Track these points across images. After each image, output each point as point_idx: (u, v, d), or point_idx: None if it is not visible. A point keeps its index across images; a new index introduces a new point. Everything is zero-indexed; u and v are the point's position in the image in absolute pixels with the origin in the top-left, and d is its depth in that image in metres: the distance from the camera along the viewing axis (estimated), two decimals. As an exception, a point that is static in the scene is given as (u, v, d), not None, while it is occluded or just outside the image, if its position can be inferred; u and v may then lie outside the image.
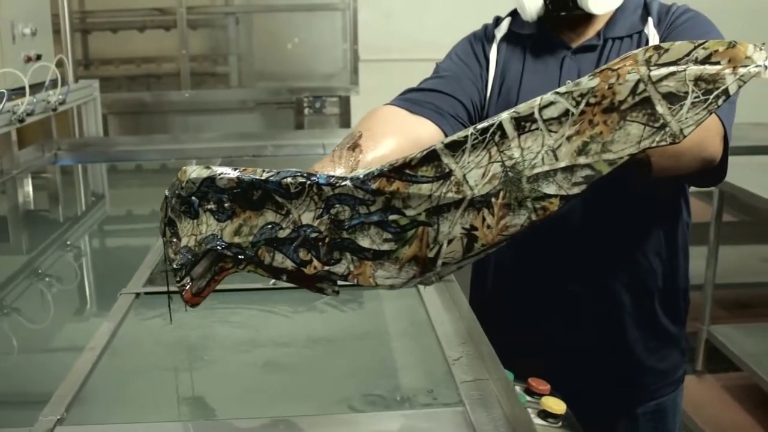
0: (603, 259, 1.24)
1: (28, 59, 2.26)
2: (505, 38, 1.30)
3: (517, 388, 1.07)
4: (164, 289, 0.91)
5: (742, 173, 2.76)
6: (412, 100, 1.18)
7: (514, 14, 1.29)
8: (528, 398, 1.05)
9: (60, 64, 2.35)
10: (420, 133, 1.10)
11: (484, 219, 0.71)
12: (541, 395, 1.06)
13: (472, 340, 1.07)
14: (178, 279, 0.86)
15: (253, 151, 2.57)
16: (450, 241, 0.73)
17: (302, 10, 3.69)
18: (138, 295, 1.28)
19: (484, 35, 1.33)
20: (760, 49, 0.65)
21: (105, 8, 3.63)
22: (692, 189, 3.06)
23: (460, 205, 0.71)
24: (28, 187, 2.33)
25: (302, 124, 3.59)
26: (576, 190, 0.68)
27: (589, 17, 1.19)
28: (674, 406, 1.33)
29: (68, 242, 1.88)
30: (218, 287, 1.26)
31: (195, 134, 2.98)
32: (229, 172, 0.80)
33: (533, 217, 0.70)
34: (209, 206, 0.82)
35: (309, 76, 3.69)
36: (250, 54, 3.80)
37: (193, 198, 0.83)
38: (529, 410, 1.03)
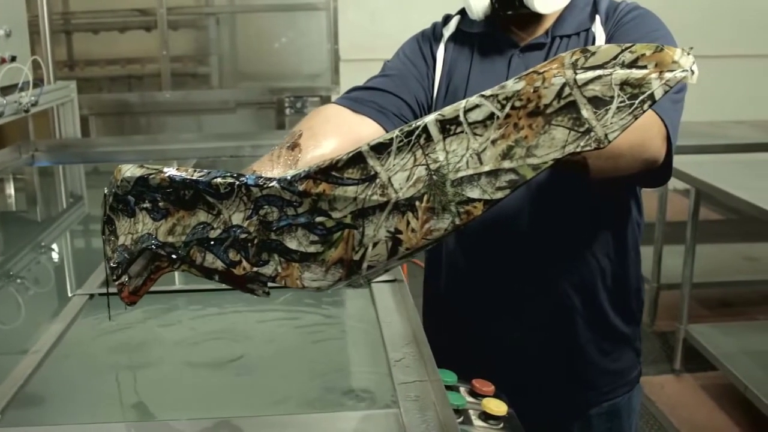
0: (551, 260, 1.22)
1: (2, 60, 2.26)
2: (453, 37, 1.28)
3: (462, 389, 1.07)
4: (115, 290, 0.91)
5: (720, 171, 2.76)
6: (356, 99, 1.17)
7: (463, 12, 1.27)
8: (470, 399, 1.04)
9: (37, 66, 2.35)
10: (362, 132, 1.09)
11: (408, 222, 0.70)
12: (485, 396, 1.05)
13: (415, 341, 1.06)
14: (115, 278, 0.86)
15: (231, 152, 2.57)
16: (375, 244, 0.72)
17: (283, 10, 3.69)
18: (92, 296, 1.28)
19: (433, 34, 1.31)
20: (688, 54, 0.64)
21: (84, 9, 3.63)
22: (671, 187, 3.00)
23: (385, 208, 0.71)
24: (4, 189, 2.32)
25: (284, 124, 3.59)
26: (500, 195, 0.67)
27: (537, 16, 1.18)
28: (629, 407, 1.32)
29: (42, 243, 1.88)
30: (172, 288, 1.26)
31: (173, 135, 2.98)
32: (161, 172, 0.80)
33: (457, 222, 0.69)
34: (145, 205, 0.82)
35: (292, 77, 3.70)
36: (233, 54, 3.80)
37: (129, 197, 0.83)
38: (471, 412, 1.02)
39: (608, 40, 1.15)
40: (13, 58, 2.30)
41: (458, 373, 1.09)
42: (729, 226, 4.23)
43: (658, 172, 1.02)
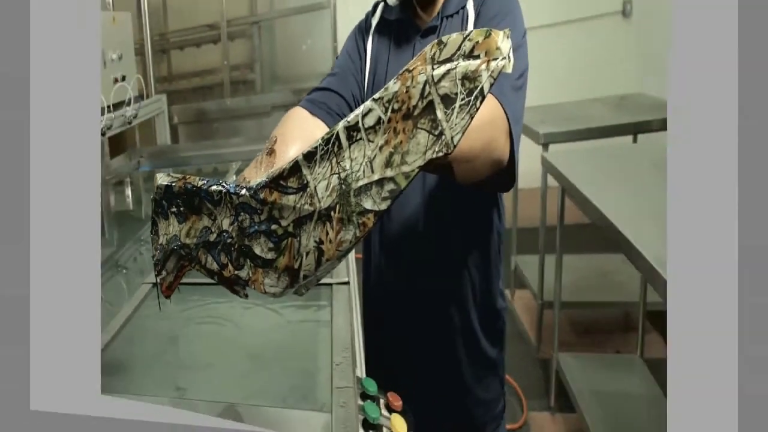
0: (435, 270, 1.03)
1: (116, 80, 2.26)
2: (378, 26, 1.05)
3: (381, 401, 0.89)
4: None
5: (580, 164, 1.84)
6: (312, 100, 0.99)
7: None
8: (384, 413, 0.86)
9: (141, 83, 2.35)
10: (318, 135, 0.81)
11: (327, 233, 0.58)
12: (394, 411, 0.87)
13: (351, 346, 0.96)
14: (156, 273, 0.80)
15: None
16: (307, 254, 0.60)
17: (292, 14, 3.38)
18: (155, 285, 1.10)
19: (364, 26, 1.08)
20: (507, 38, 0.49)
21: (173, 29, 3.42)
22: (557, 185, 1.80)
23: (312, 217, 0.59)
24: (123, 191, 2.27)
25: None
26: (384, 206, 0.53)
27: None
28: None
29: (141, 238, 1.82)
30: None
31: (225, 140, 2.78)
32: (180, 180, 0.73)
33: (357, 233, 0.55)
34: (173, 209, 0.74)
35: (314, 77, 3.30)
36: (271, 60, 3.46)
37: (164, 201, 0.75)
38: (384, 429, 0.84)
39: (476, 19, 0.95)
40: (123, 78, 2.33)
41: (384, 380, 0.92)
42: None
43: (506, 172, 0.78)
